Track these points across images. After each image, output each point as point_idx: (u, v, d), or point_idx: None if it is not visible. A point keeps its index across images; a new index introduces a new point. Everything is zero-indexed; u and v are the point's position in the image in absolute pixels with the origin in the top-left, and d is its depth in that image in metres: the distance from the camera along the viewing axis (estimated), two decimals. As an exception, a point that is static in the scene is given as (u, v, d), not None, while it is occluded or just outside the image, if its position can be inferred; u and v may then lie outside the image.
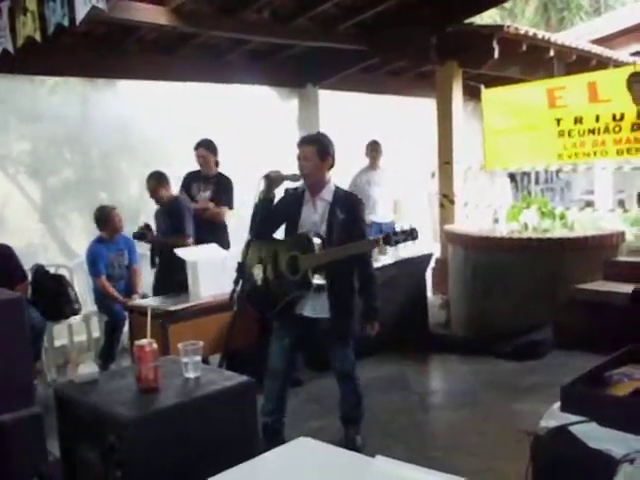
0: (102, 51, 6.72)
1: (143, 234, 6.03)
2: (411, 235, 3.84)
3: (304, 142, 4.15)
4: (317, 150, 4.07)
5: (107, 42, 6.71)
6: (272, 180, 4.04)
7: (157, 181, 5.99)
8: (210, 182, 6.21)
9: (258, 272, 4.13)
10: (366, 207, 7.88)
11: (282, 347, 4.16)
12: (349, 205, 4.11)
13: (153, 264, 6.13)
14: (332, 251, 3.94)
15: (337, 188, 4.18)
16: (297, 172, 4.13)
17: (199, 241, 5.83)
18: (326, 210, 4.09)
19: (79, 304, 6.18)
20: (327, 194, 4.13)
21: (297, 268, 3.96)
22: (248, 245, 4.15)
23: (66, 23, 3.65)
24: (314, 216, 4.12)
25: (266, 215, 4.05)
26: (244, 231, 4.22)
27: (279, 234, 4.32)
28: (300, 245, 3.98)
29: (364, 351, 5.96)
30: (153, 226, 6.13)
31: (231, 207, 6.16)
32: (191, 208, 6.04)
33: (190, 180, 6.29)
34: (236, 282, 4.10)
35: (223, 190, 6.18)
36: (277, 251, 4.09)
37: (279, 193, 4.22)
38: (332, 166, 4.18)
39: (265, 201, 4.04)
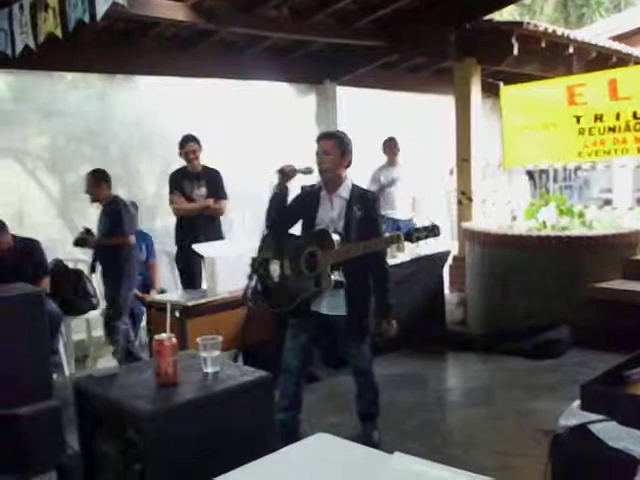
0: (121, 47, 6.77)
1: (84, 240, 5.85)
2: (432, 232, 3.83)
3: (325, 137, 4.14)
4: (337, 145, 4.05)
5: (126, 38, 6.75)
6: (286, 174, 4.04)
7: (95, 180, 5.83)
8: (201, 178, 6.11)
9: (275, 268, 4.10)
10: (385, 204, 7.96)
11: (297, 344, 4.14)
12: (365, 202, 4.07)
13: (93, 269, 6.07)
14: (352, 247, 3.90)
15: (354, 185, 4.15)
16: (310, 165, 4.12)
17: (198, 236, 5.83)
18: (343, 207, 4.06)
19: (97, 299, 6.21)
20: (344, 191, 4.10)
21: (316, 264, 3.93)
22: (264, 240, 4.15)
23: (87, 19, 3.67)
24: (331, 213, 4.09)
25: (281, 209, 4.06)
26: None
27: (295, 232, 4.31)
28: (319, 241, 3.95)
29: (381, 348, 5.97)
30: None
31: (226, 198, 6.16)
32: (130, 207, 6.01)
33: (180, 179, 6.16)
34: (250, 277, 4.11)
35: (216, 184, 6.15)
36: (295, 247, 4.06)
37: (294, 188, 4.22)
38: (350, 164, 4.15)
39: (280, 195, 4.05)
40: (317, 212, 4.11)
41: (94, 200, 5.91)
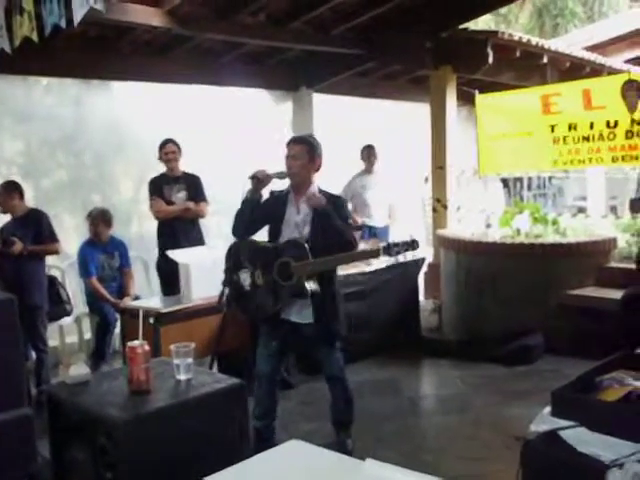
0: (96, 52, 6.73)
1: (12, 242, 5.48)
2: (412, 246, 3.82)
3: (294, 141, 4.13)
4: (307, 150, 4.06)
5: (101, 43, 6.72)
6: (259, 180, 4.01)
7: (7, 192, 5.70)
8: (180, 182, 6.13)
9: (245, 277, 4.08)
10: (361, 211, 7.98)
11: (269, 352, 4.13)
12: (332, 206, 4.02)
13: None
14: (330, 260, 3.90)
15: (321, 190, 4.12)
16: (284, 170, 4.09)
17: (179, 240, 5.82)
18: (309, 212, 4.04)
19: (71, 305, 6.16)
20: None
21: (289, 274, 3.91)
22: (231, 249, 4.13)
23: (63, 24, 3.64)
24: (297, 217, 4.08)
25: (252, 216, 4.04)
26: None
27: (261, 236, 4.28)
28: (293, 251, 3.93)
29: (356, 355, 5.99)
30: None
31: (207, 201, 6.20)
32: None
33: (159, 184, 6.15)
34: (224, 284, 4.11)
35: (196, 188, 6.18)
36: (266, 256, 4.03)
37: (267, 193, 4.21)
38: (319, 169, 4.14)
39: (252, 201, 4.03)
40: (284, 216, 4.09)
41: (4, 211, 5.75)
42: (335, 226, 3.93)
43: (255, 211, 4.06)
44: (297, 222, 4.06)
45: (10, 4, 3.98)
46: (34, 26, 3.83)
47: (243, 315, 4.30)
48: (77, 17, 3.50)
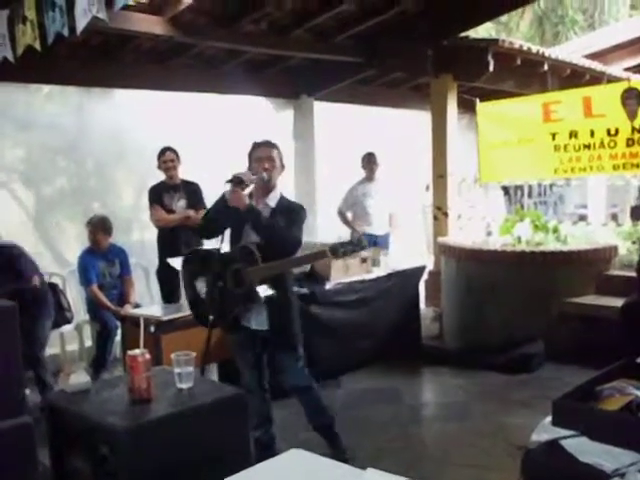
0: (98, 60, 6.75)
1: None
2: (358, 246, 3.76)
3: (268, 144, 4.08)
4: (277, 155, 4.04)
5: (103, 51, 6.74)
6: (243, 183, 3.96)
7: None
8: (180, 191, 6.17)
9: (201, 285, 3.99)
10: (362, 219, 7.98)
11: (246, 363, 4.07)
12: (289, 212, 3.96)
13: None
14: (277, 264, 3.82)
15: (282, 197, 4.05)
16: (264, 175, 3.96)
17: (179, 248, 5.80)
18: (267, 216, 3.93)
19: (72, 313, 6.15)
20: (272, 200, 4.00)
21: (241, 281, 3.83)
22: (187, 259, 4.07)
23: (66, 33, 3.65)
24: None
25: (215, 217, 3.95)
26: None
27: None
28: (242, 257, 3.85)
29: (356, 363, 5.99)
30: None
31: (206, 208, 6.16)
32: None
33: (159, 192, 6.20)
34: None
35: (196, 196, 6.19)
36: (220, 264, 3.93)
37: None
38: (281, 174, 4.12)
39: (220, 203, 3.90)
40: (246, 221, 3.97)
41: None
42: (275, 229, 3.86)
43: (220, 212, 3.93)
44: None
45: (13, 13, 3.99)
46: (37, 35, 3.84)
47: (201, 324, 4.12)
48: (80, 26, 3.52)
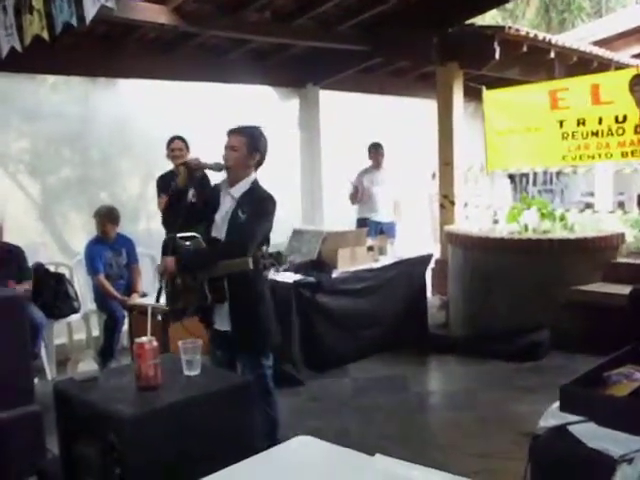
0: (103, 50, 6.74)
1: None
2: (277, 260, 3.67)
3: (234, 131, 3.85)
4: (246, 142, 3.80)
5: (108, 41, 6.73)
6: (190, 167, 3.85)
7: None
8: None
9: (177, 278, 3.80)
10: (367, 207, 7.99)
11: (215, 360, 3.93)
12: (254, 203, 3.76)
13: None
14: (214, 266, 3.67)
15: (253, 186, 3.83)
16: (220, 161, 3.85)
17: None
18: (231, 209, 3.80)
19: (79, 302, 6.19)
20: (237, 191, 3.82)
21: (195, 277, 3.71)
22: (165, 247, 3.85)
23: (74, 22, 3.63)
24: (219, 214, 3.86)
25: (178, 206, 3.80)
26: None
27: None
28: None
29: (363, 351, 6.00)
30: None
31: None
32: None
33: (167, 182, 6.11)
34: (161, 287, 3.84)
35: (204, 186, 6.15)
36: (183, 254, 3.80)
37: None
38: (260, 164, 3.90)
39: (177, 191, 3.82)
40: (216, 212, 3.87)
41: None
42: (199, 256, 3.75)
43: (182, 200, 3.81)
44: (217, 220, 3.85)
45: (20, 3, 3.98)
46: (44, 24, 3.82)
47: (172, 316, 4.05)
48: (89, 15, 3.50)
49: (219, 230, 3.81)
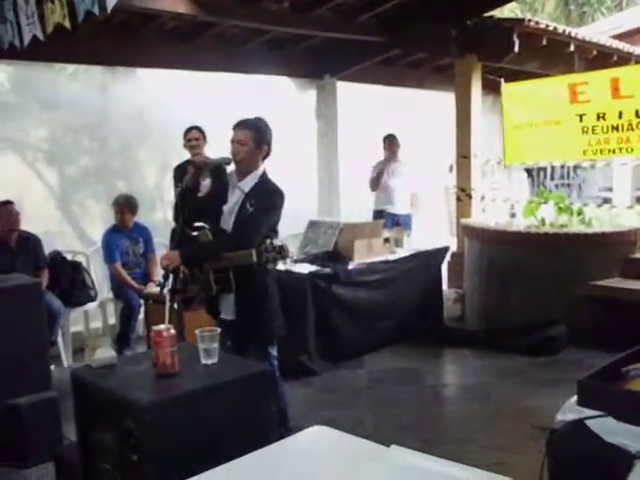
0: (122, 39, 6.76)
1: None
2: (280, 253, 3.66)
3: (240, 125, 3.86)
4: (252, 135, 3.81)
5: (127, 30, 6.74)
6: (197, 167, 3.87)
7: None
8: (204, 169, 6.13)
9: (183, 267, 3.81)
10: (384, 199, 7.98)
11: (226, 350, 3.93)
12: (261, 196, 3.77)
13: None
14: (219, 257, 3.70)
15: (261, 179, 3.85)
16: (228, 156, 3.86)
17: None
18: (238, 202, 3.82)
19: (95, 290, 6.23)
20: (246, 184, 3.84)
21: (202, 267, 3.75)
22: (172, 238, 3.95)
23: (97, 11, 3.64)
24: (228, 207, 3.88)
25: (186, 205, 3.84)
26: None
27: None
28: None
29: (378, 343, 6.01)
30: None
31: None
32: None
33: (184, 171, 6.14)
34: (165, 277, 3.83)
35: (220, 174, 6.15)
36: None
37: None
38: (267, 156, 3.92)
39: (186, 190, 3.84)
40: (225, 205, 3.89)
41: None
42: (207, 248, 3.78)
43: (190, 199, 3.86)
44: (225, 213, 3.87)
45: None
46: (66, 13, 3.84)
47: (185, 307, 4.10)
48: (110, 3, 3.51)
49: (227, 222, 3.84)
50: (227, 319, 3.86)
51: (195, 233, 3.78)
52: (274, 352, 3.94)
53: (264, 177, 3.87)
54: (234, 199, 3.86)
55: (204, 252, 3.81)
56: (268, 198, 3.80)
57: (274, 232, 3.89)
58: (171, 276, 3.81)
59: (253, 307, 3.81)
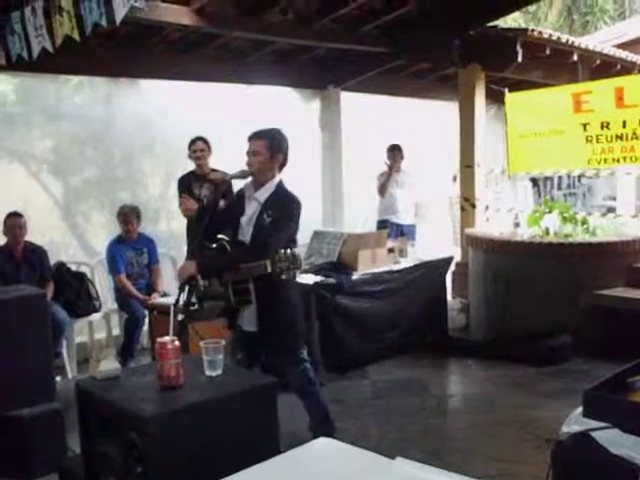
0: (126, 51, 6.78)
1: None
2: (294, 263, 3.63)
3: (255, 136, 3.88)
4: (267, 145, 3.83)
5: (131, 42, 6.76)
6: (216, 183, 3.90)
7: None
8: (209, 180, 6.15)
9: (202, 280, 3.84)
10: (387, 209, 7.98)
11: (238, 361, 3.99)
12: (277, 206, 3.79)
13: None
14: (237, 269, 3.71)
15: (277, 189, 3.87)
16: (246, 168, 3.88)
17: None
18: (255, 213, 3.85)
19: (99, 301, 6.24)
20: (262, 194, 3.86)
21: (222, 279, 3.78)
22: (192, 252, 3.93)
23: (104, 23, 3.67)
24: (244, 217, 3.90)
25: (208, 222, 3.83)
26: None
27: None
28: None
29: (383, 354, 6.00)
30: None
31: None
32: None
33: (188, 182, 6.19)
34: (181, 289, 3.84)
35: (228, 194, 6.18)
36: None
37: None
38: (284, 165, 3.93)
39: (207, 208, 3.87)
40: (241, 216, 3.91)
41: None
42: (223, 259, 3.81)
43: (212, 216, 3.87)
44: (242, 224, 3.89)
45: (49, 4, 4.02)
46: (74, 25, 3.86)
47: (199, 318, 4.06)
48: (119, 16, 3.54)
49: (245, 234, 3.86)
50: (249, 330, 3.88)
51: (214, 245, 3.83)
52: (305, 355, 4.01)
53: (280, 187, 3.89)
54: (251, 210, 3.88)
55: (221, 263, 3.82)
56: (284, 208, 3.83)
57: (293, 242, 3.91)
58: (187, 288, 3.83)
59: (277, 317, 3.84)
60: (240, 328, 3.93)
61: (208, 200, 3.94)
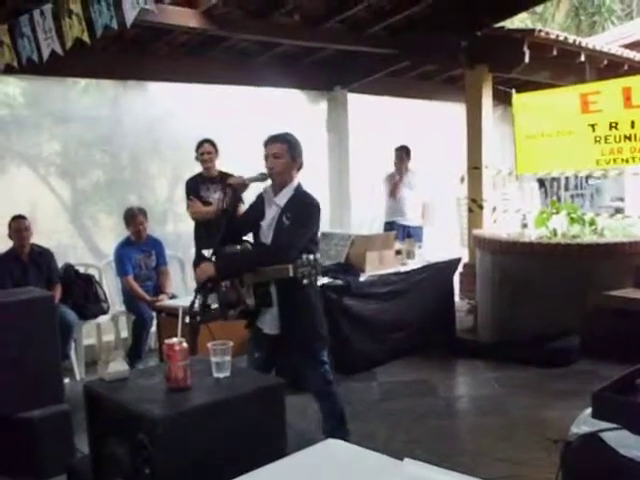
0: (133, 53, 6.80)
1: None
2: (315, 268, 3.60)
3: (275, 140, 3.89)
4: (287, 148, 3.85)
5: (138, 44, 6.78)
6: (234, 188, 3.88)
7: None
8: (217, 183, 6.09)
9: (224, 282, 3.83)
10: (395, 210, 7.98)
11: (253, 361, 3.99)
12: (297, 209, 3.81)
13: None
14: (259, 271, 3.70)
15: (297, 192, 3.88)
16: (264, 171, 3.87)
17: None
18: (275, 216, 3.85)
19: (107, 303, 6.26)
20: (282, 198, 3.87)
21: (242, 281, 3.77)
22: (214, 254, 3.90)
23: (115, 25, 3.67)
24: (264, 221, 3.90)
25: (229, 226, 3.85)
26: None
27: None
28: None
29: (390, 355, 5.99)
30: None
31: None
32: None
33: (195, 185, 6.21)
34: (197, 291, 3.85)
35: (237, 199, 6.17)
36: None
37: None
38: (300, 168, 3.94)
39: (226, 212, 3.86)
40: (261, 220, 3.91)
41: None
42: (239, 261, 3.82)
43: (232, 220, 3.91)
44: (263, 228, 3.90)
45: (58, 7, 4.03)
46: (84, 27, 3.87)
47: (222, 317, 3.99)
48: (129, 18, 3.54)
49: (266, 237, 3.88)
50: (270, 334, 3.90)
51: (238, 247, 3.85)
52: (325, 357, 4.02)
53: (299, 190, 3.91)
54: (271, 214, 3.88)
55: (239, 265, 3.83)
56: (303, 211, 3.84)
57: (315, 244, 3.94)
58: (203, 291, 3.83)
59: (299, 320, 3.85)
60: (261, 331, 3.95)
61: (227, 205, 3.91)
